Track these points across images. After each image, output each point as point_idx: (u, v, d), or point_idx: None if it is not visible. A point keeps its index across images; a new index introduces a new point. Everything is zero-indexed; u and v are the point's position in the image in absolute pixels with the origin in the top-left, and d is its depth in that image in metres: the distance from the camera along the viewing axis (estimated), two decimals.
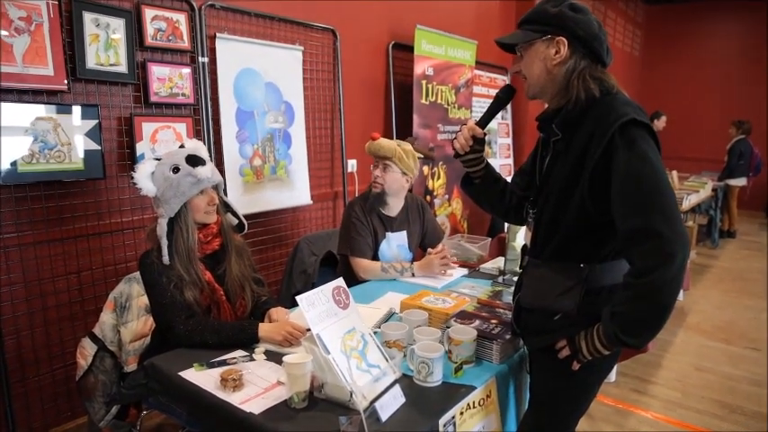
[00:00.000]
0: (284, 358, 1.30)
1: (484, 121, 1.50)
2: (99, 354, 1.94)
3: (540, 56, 1.30)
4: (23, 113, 2.00)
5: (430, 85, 3.88)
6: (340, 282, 1.49)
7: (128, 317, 1.99)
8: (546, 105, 1.40)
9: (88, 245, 2.26)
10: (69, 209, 2.19)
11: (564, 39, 1.25)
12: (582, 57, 1.27)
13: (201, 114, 2.59)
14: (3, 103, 1.95)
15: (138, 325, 2.00)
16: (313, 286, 2.59)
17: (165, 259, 1.71)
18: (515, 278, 2.25)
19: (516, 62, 1.38)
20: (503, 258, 2.49)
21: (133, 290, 2.02)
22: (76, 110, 2.14)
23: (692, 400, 2.86)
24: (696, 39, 9.51)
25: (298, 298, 1.34)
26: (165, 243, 1.71)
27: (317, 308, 1.37)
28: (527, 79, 1.35)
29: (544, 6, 1.29)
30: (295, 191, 3.11)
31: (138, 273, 2.02)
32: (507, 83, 1.37)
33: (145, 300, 2.02)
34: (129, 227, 2.38)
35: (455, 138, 1.51)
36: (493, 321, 1.65)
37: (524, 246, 1.51)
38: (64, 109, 2.11)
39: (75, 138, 2.15)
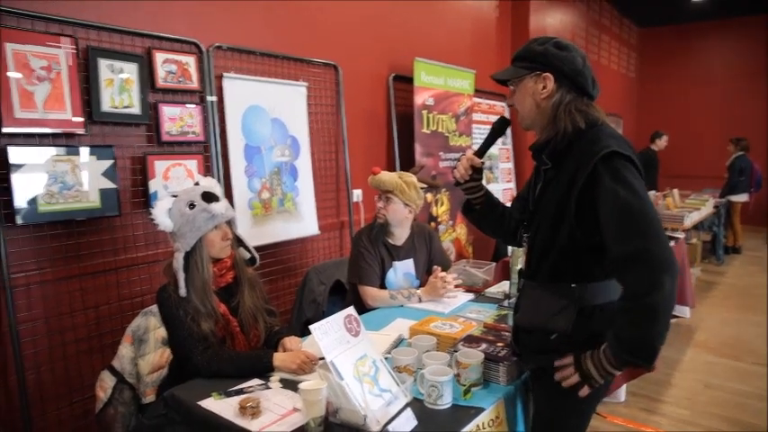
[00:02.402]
0: (300, 385, 1.36)
1: (481, 151, 1.60)
2: (118, 386, 1.99)
3: (529, 90, 1.40)
4: (44, 156, 2.10)
5: (431, 115, 4.00)
6: (351, 310, 1.55)
7: (145, 349, 2.05)
8: (537, 135, 1.49)
9: (105, 280, 2.33)
10: (86, 246, 2.27)
11: (550, 74, 1.35)
12: (567, 91, 1.36)
13: (211, 151, 2.69)
14: (25, 147, 2.04)
15: (156, 357, 2.06)
16: (323, 315, 2.67)
17: (182, 292, 1.78)
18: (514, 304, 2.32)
19: (510, 96, 1.48)
20: (507, 282, 2.55)
21: (150, 323, 2.08)
22: (93, 151, 2.24)
23: (701, 417, 2.88)
24: (689, 58, 9.69)
25: (311, 327, 1.40)
26: (181, 276, 1.79)
27: (330, 336, 1.43)
28: (519, 112, 1.45)
29: (532, 45, 1.40)
30: (302, 222, 3.19)
31: (154, 306, 2.10)
32: (502, 115, 1.45)
33: (161, 332, 2.09)
34: (144, 261, 2.46)
35: (455, 167, 1.60)
36: (499, 344, 1.70)
37: (520, 269, 1.58)
38: (81, 150, 2.21)
39: (92, 177, 2.24)
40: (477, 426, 1.42)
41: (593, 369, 1.30)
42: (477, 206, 1.69)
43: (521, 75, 1.40)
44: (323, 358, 1.70)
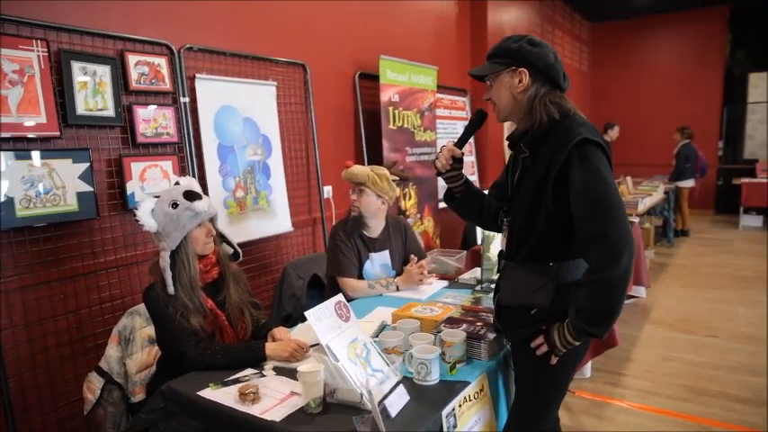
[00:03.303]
0: (299, 368, 1.43)
1: (461, 143, 1.70)
2: (107, 387, 2.01)
3: (506, 85, 1.51)
4: (19, 161, 2.09)
5: (396, 111, 4.10)
6: (340, 297, 1.64)
7: (132, 349, 2.08)
8: (513, 127, 1.60)
9: (85, 283, 2.33)
10: (65, 249, 2.27)
11: (525, 69, 1.47)
12: (542, 84, 1.48)
13: (186, 151, 2.71)
14: (1, 152, 2.03)
15: (143, 356, 2.09)
16: (302, 308, 2.73)
17: (171, 290, 1.82)
18: (492, 285, 2.45)
19: (486, 91, 1.58)
20: (479, 269, 2.67)
21: (136, 322, 2.11)
22: (69, 154, 2.24)
23: (661, 387, 3.09)
24: (638, 51, 10.13)
25: (306, 313, 1.48)
26: (168, 274, 1.82)
27: (323, 321, 1.51)
28: (496, 105, 1.56)
29: (507, 43, 1.51)
30: (276, 219, 3.24)
31: (140, 306, 2.13)
32: (479, 108, 1.54)
33: (147, 331, 2.12)
34: (123, 263, 2.47)
35: (437, 158, 1.70)
36: (478, 324, 1.82)
37: (500, 251, 1.69)
38: (57, 154, 2.21)
39: (69, 181, 2.24)
40: (465, 398, 1.52)
41: (557, 339, 1.45)
42: (457, 194, 1.80)
43: (497, 70, 1.51)
44: (314, 345, 1.80)
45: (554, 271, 1.47)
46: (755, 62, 9.12)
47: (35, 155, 2.14)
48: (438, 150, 1.72)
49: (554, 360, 1.48)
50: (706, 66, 9.51)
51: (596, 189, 1.34)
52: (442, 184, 4.88)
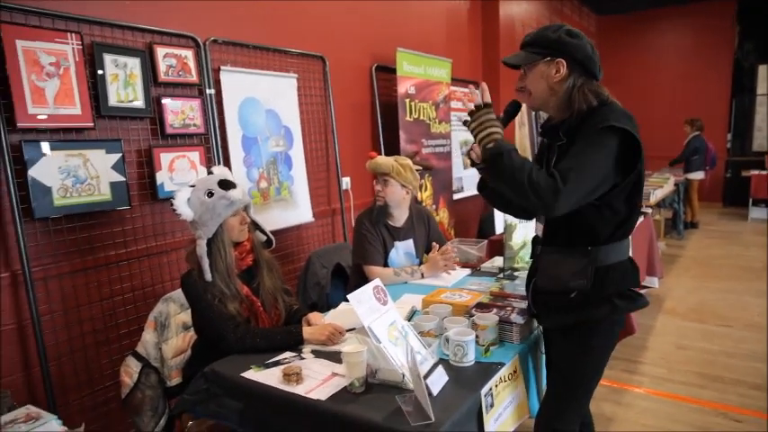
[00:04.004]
0: (343, 349, 1.49)
1: None
2: (144, 371, 2.07)
3: (542, 75, 1.54)
4: (57, 151, 2.14)
5: (413, 103, 4.13)
6: (378, 282, 1.68)
7: (168, 334, 2.13)
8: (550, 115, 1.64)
9: (118, 271, 2.39)
10: (99, 238, 2.32)
11: (563, 60, 1.50)
12: (579, 75, 1.51)
13: (211, 142, 2.76)
14: (39, 143, 2.08)
15: (178, 341, 2.15)
16: (327, 297, 2.78)
17: (208, 277, 1.87)
18: (516, 273, 2.50)
19: (521, 79, 1.61)
20: (499, 257, 2.72)
21: (170, 309, 2.16)
22: (102, 145, 2.29)
23: (676, 374, 3.14)
24: (646, 44, 10.11)
25: (349, 296, 1.53)
26: (205, 262, 1.87)
27: (364, 304, 1.56)
28: (532, 94, 1.59)
29: (545, 32, 1.53)
30: (298, 209, 3.29)
31: (174, 292, 2.19)
32: (513, 99, 1.57)
33: (182, 317, 2.18)
34: (154, 252, 2.52)
35: (471, 149, 1.73)
36: (508, 309, 1.87)
37: (536, 236, 1.74)
38: (91, 145, 2.26)
39: (103, 171, 2.29)
40: (500, 378, 1.58)
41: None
42: (491, 184, 1.83)
43: (534, 60, 1.54)
44: (349, 330, 1.85)
45: (593, 254, 1.51)
46: (764, 54, 9.10)
47: (71, 145, 2.19)
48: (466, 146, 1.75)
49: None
50: (714, 58, 9.49)
51: (583, 154, 1.40)
52: (456, 176, 4.94)
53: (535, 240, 1.74)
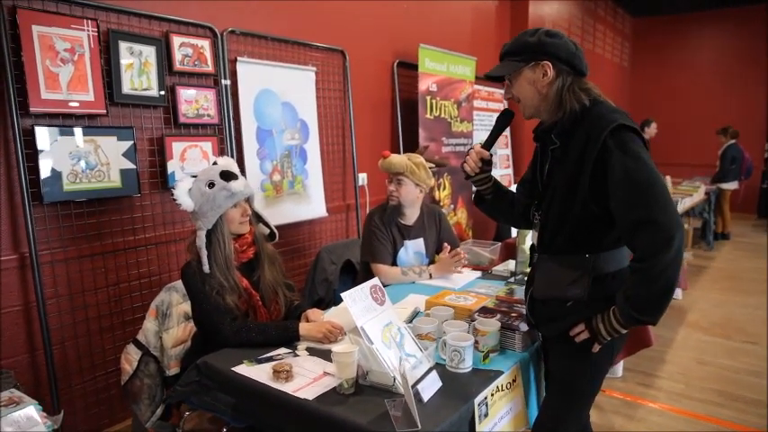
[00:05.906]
0: (333, 348, 1.45)
1: (488, 144, 1.67)
2: (144, 359, 2.07)
3: (529, 81, 1.47)
4: (68, 136, 2.16)
5: (434, 101, 4.07)
6: (375, 281, 1.64)
7: (169, 323, 2.13)
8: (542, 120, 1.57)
9: (125, 258, 2.40)
10: (107, 224, 2.33)
11: (548, 62, 1.43)
12: (567, 74, 1.44)
13: (225, 133, 2.75)
14: (51, 128, 2.10)
15: (179, 331, 2.14)
16: (335, 293, 2.75)
17: (206, 268, 1.84)
18: (527, 278, 2.42)
19: (507, 90, 1.54)
20: (512, 261, 2.64)
21: (173, 298, 2.15)
22: (114, 132, 2.30)
23: (694, 390, 3.01)
24: (682, 48, 9.80)
25: (342, 294, 1.49)
26: (204, 253, 1.85)
27: (359, 304, 1.51)
28: (521, 102, 1.52)
29: (524, 38, 1.47)
30: (311, 204, 3.27)
31: (177, 282, 2.18)
32: (505, 107, 1.52)
33: (184, 307, 2.17)
34: (162, 240, 2.53)
35: (465, 161, 1.68)
36: (513, 315, 1.80)
37: (532, 245, 1.67)
38: (103, 131, 2.27)
39: (113, 158, 2.30)
40: (497, 387, 1.51)
41: (601, 327, 1.41)
42: (487, 196, 1.77)
43: (519, 68, 1.47)
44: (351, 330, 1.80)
45: (590, 262, 1.44)
46: None
47: (83, 131, 2.20)
48: (470, 147, 1.68)
49: (596, 348, 1.45)
50: (750, 64, 9.14)
51: (641, 175, 1.30)
52: None
53: (532, 249, 1.67)
